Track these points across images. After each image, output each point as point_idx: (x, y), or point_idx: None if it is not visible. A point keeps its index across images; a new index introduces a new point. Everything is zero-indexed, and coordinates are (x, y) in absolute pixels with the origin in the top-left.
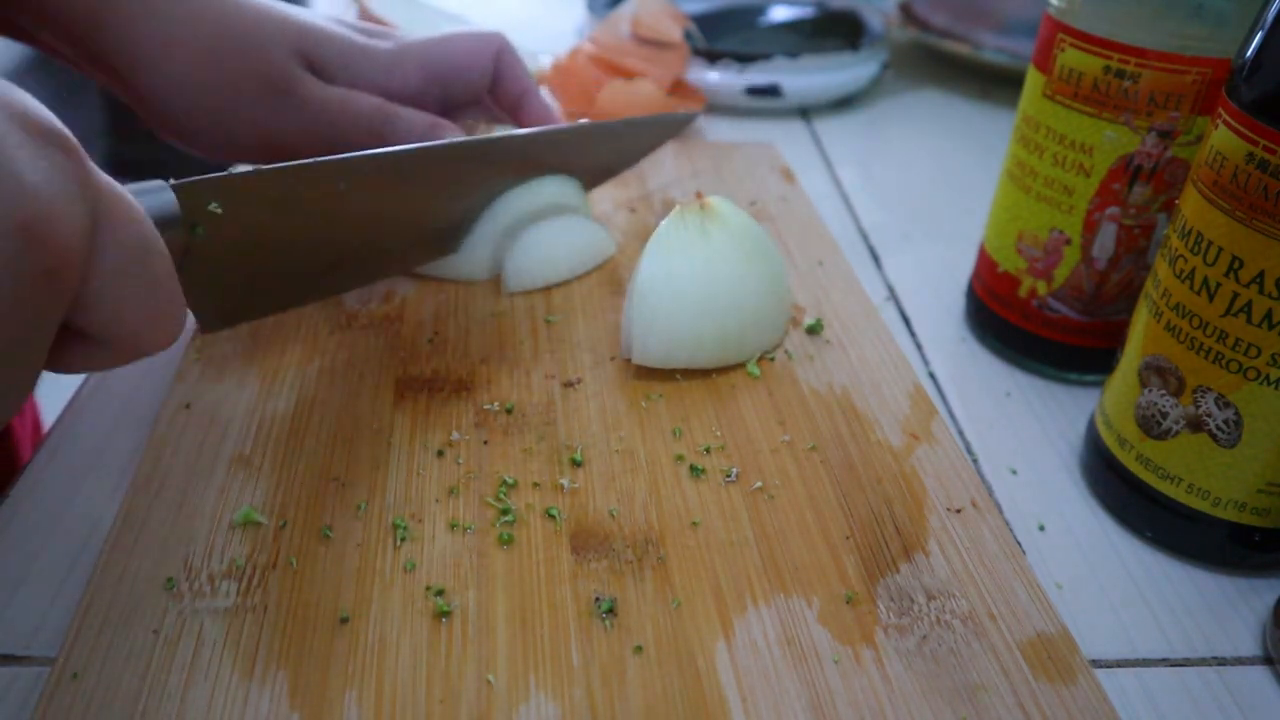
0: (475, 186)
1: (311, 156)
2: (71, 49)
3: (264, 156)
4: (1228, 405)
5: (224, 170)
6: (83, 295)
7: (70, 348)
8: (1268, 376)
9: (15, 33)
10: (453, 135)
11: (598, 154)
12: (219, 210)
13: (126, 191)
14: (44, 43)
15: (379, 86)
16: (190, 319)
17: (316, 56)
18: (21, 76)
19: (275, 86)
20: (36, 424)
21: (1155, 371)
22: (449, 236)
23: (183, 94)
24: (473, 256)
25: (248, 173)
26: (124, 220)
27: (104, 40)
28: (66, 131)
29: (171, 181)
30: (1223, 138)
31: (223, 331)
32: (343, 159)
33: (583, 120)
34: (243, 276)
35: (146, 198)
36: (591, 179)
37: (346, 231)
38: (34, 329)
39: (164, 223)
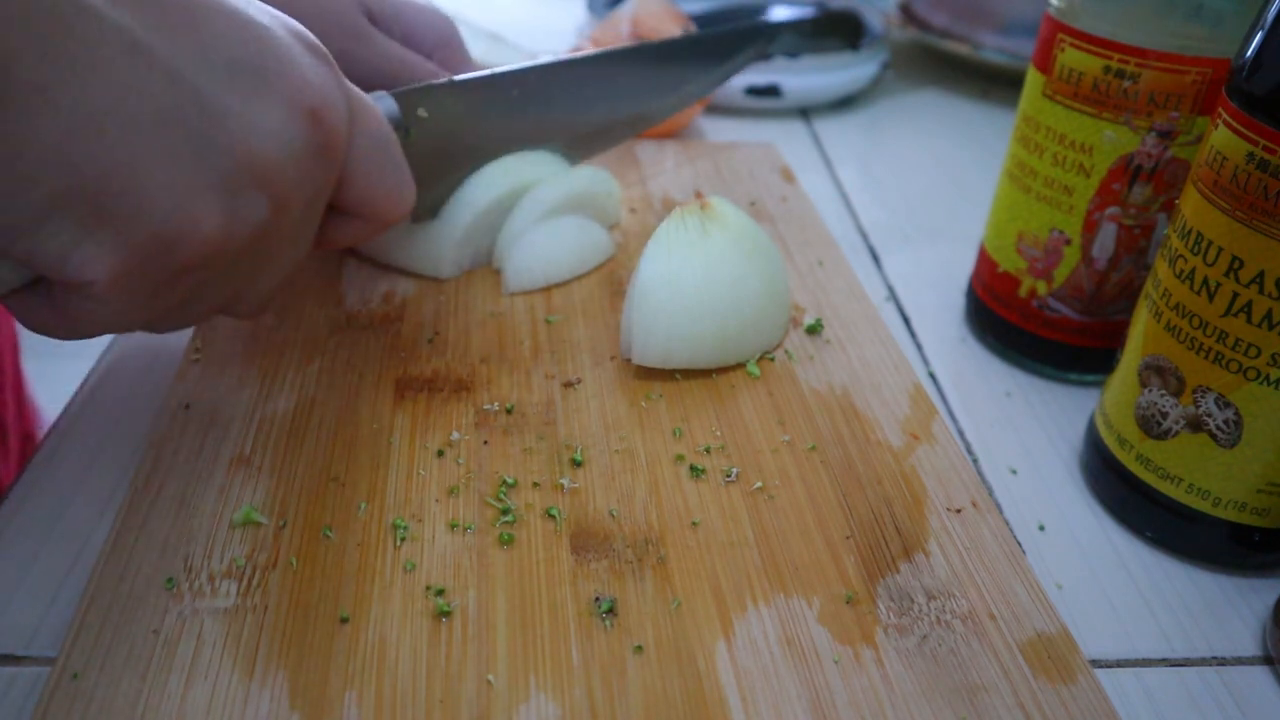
0: (614, 94)
1: None
2: None
3: None
4: (1228, 405)
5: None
6: (344, 174)
7: (333, 223)
8: (1268, 376)
9: None
10: None
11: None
12: (425, 115)
13: (364, 94)
14: None
15: (417, 38)
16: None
17: (378, 9)
18: None
19: (348, 34)
20: (29, 428)
21: (1155, 371)
22: (594, 139)
23: None
24: (445, 246)
25: (447, 82)
26: (370, 115)
27: None
28: (321, 45)
29: (390, 92)
30: (1223, 138)
31: (223, 333)
32: (517, 69)
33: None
34: (444, 171)
35: (377, 102)
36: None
37: (518, 132)
38: (314, 197)
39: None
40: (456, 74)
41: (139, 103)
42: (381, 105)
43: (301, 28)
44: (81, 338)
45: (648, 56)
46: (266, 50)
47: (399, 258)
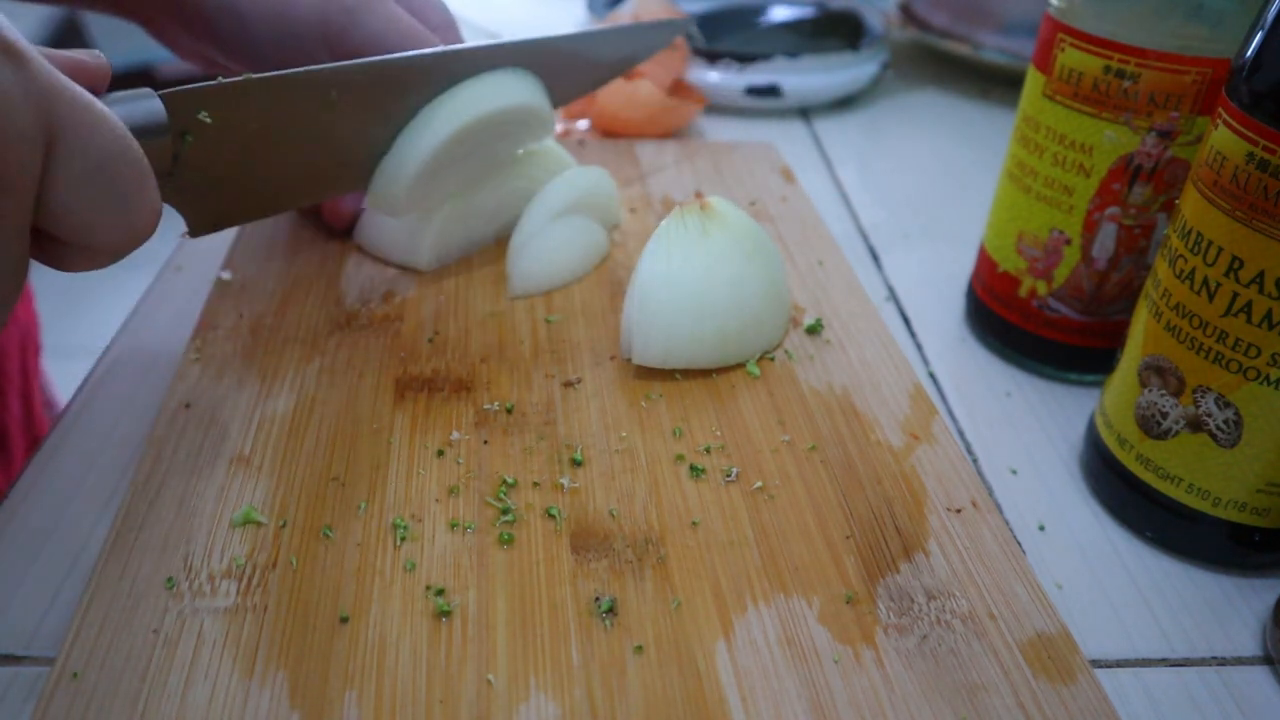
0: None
1: None
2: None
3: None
4: (1228, 405)
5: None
6: (48, 203)
7: (47, 250)
8: (1268, 376)
9: None
10: None
11: (591, 57)
12: (208, 119)
13: (95, 101)
14: None
15: (420, 17)
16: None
17: None
18: None
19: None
20: (40, 433)
21: (1155, 371)
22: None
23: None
24: (422, 236)
25: (238, 81)
26: (88, 129)
27: None
28: (18, 42)
29: (159, 91)
30: (1223, 138)
31: (223, 333)
32: (335, 67)
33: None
34: (233, 182)
35: (131, 106)
36: (571, 89)
37: (334, 141)
38: None
39: (151, 129)
40: None
41: None
42: (139, 109)
43: None
44: None
45: (546, 49)
46: None
47: (378, 246)
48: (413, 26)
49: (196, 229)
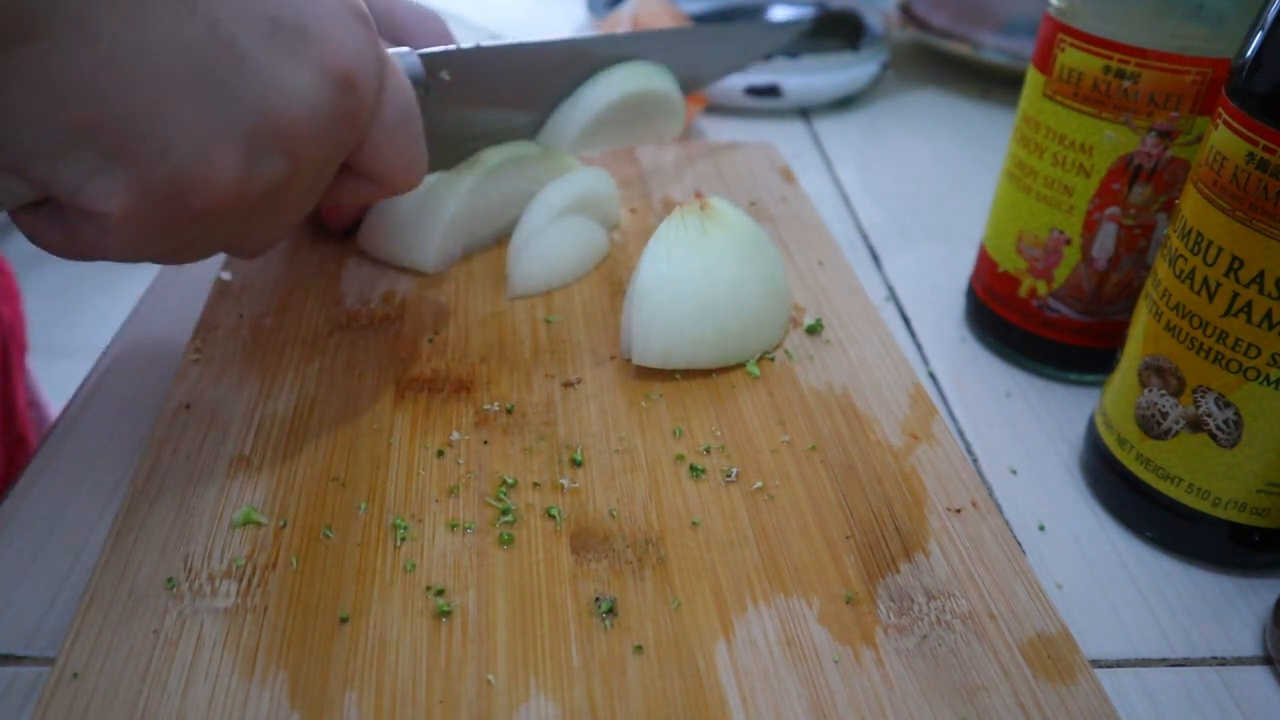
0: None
1: None
2: None
3: None
4: (1228, 405)
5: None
6: (367, 139)
7: (344, 182)
8: (1268, 376)
9: None
10: None
11: (701, 57)
12: (448, 77)
13: (396, 61)
14: None
15: (409, 39)
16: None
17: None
18: None
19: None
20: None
21: (1155, 371)
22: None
23: None
24: (430, 237)
25: (473, 48)
26: (399, 86)
27: None
28: (365, 10)
29: (416, 51)
30: (1223, 138)
31: (223, 333)
32: (540, 43)
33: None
34: (454, 132)
35: (400, 59)
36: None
37: (526, 106)
38: (333, 158)
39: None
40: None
41: (176, 47)
42: (405, 62)
43: None
44: (85, 260)
45: (687, 39)
46: (307, 10)
47: (384, 250)
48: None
49: (435, 166)
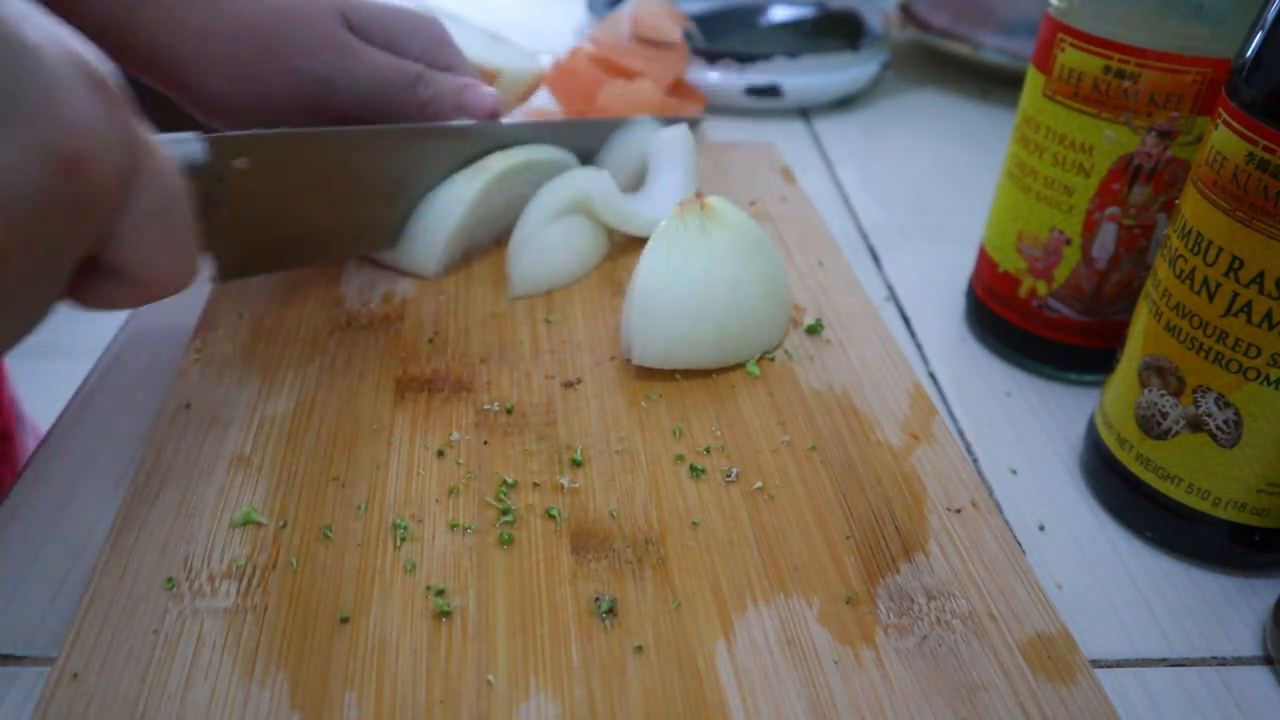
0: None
1: (347, 121)
2: (101, 46)
3: (304, 123)
4: (1228, 405)
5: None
6: (115, 233)
7: (94, 282)
8: (1268, 376)
9: None
10: (483, 95)
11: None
12: (246, 166)
13: (161, 142)
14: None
15: (403, 44)
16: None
17: (357, 19)
18: None
19: (334, 50)
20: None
21: (1155, 371)
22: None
23: (224, 73)
24: (432, 245)
25: (278, 133)
26: (158, 170)
27: (137, 41)
28: (109, 78)
29: (204, 135)
30: (1223, 138)
31: (223, 333)
32: (370, 130)
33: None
34: (262, 230)
35: (178, 147)
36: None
37: (366, 198)
38: (55, 255)
39: (190, 171)
40: (455, 71)
41: None
42: (184, 150)
43: (89, 55)
44: None
45: (522, 135)
46: (25, 77)
47: (386, 255)
48: (395, 72)
49: (225, 274)
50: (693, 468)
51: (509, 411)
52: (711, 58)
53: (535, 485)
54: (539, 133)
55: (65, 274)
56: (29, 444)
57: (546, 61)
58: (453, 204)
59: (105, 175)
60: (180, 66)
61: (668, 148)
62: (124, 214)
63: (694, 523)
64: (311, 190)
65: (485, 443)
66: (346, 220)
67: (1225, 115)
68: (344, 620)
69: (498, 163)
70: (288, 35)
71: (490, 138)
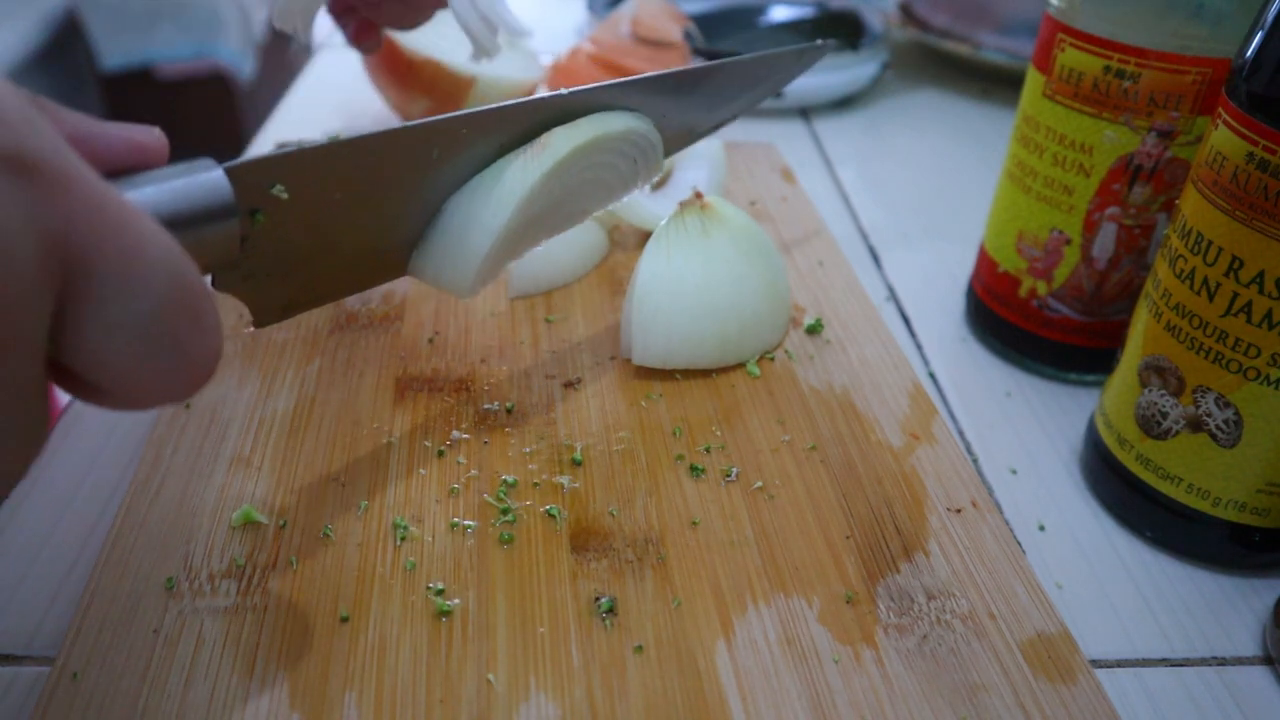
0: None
1: None
2: None
3: None
4: (1228, 405)
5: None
6: (77, 349)
7: (73, 388)
8: (1268, 376)
9: None
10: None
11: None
12: (285, 194)
13: (149, 228)
14: None
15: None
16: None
17: None
18: (21, 76)
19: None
20: None
21: (1155, 371)
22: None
23: None
24: (470, 268)
25: (319, 146)
26: (129, 266)
27: None
28: (43, 153)
29: (225, 165)
30: (1223, 138)
31: (224, 338)
32: (436, 120)
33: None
34: (307, 264)
35: (189, 182)
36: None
37: (430, 206)
38: None
39: (214, 212)
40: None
41: None
42: (198, 188)
43: (13, 134)
44: None
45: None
46: None
47: (417, 273)
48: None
49: (263, 319)
50: (693, 467)
51: (509, 411)
52: (711, 58)
53: (535, 485)
54: (609, 96)
55: (20, 407)
56: None
57: (546, 61)
58: (497, 205)
59: (12, 279)
60: None
61: (699, 151)
62: (79, 325)
63: (694, 522)
64: (359, 208)
65: (485, 442)
66: (393, 238)
67: (1225, 115)
68: (344, 620)
69: (561, 142)
70: None
71: (546, 109)
